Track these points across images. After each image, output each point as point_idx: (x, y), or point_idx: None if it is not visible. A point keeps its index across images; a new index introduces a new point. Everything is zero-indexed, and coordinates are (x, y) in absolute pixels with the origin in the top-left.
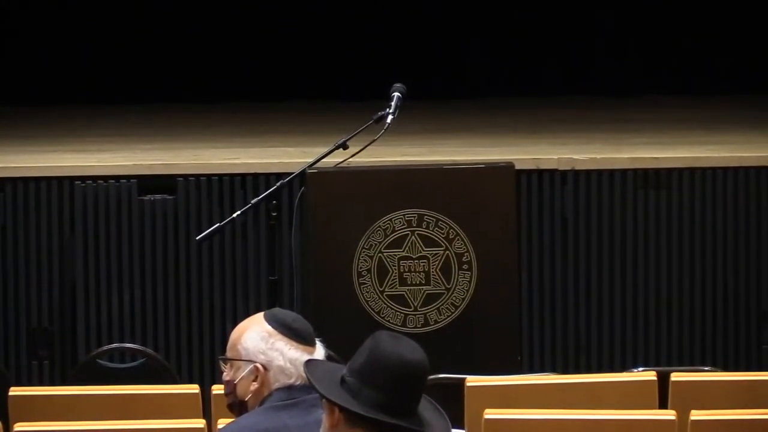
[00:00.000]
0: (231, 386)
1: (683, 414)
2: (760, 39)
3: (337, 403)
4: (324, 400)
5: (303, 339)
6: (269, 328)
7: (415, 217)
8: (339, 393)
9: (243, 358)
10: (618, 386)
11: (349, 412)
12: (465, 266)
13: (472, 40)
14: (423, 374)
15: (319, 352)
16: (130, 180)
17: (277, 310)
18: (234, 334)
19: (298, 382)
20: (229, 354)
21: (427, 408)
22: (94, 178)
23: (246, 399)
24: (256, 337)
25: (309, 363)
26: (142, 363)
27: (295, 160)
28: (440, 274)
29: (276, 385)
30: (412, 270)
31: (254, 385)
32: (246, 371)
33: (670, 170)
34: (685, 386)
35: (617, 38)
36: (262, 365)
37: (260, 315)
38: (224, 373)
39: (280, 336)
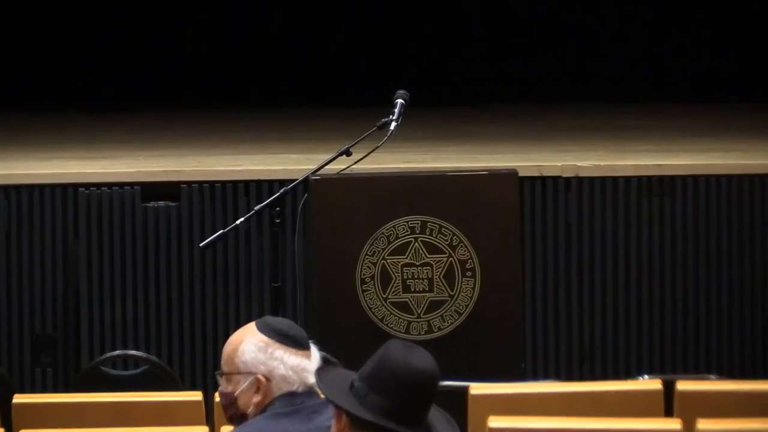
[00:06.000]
0: (231, 398)
1: (689, 423)
2: (764, 47)
3: (342, 407)
4: (333, 405)
5: (300, 345)
6: (265, 338)
7: (418, 223)
8: (346, 398)
9: (242, 371)
10: (623, 395)
11: (354, 416)
12: (468, 273)
13: (475, 47)
14: (431, 383)
15: (315, 354)
16: (133, 187)
17: (268, 318)
18: (228, 348)
19: (300, 389)
20: (226, 368)
21: (439, 420)
22: (98, 185)
23: (248, 410)
24: (254, 349)
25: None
26: (146, 370)
27: (299, 166)
28: (444, 280)
29: (278, 393)
30: (416, 277)
31: (257, 397)
32: (246, 384)
33: (673, 177)
34: (691, 394)
35: (621, 45)
36: (264, 376)
37: (252, 325)
38: (221, 386)
39: (277, 345)
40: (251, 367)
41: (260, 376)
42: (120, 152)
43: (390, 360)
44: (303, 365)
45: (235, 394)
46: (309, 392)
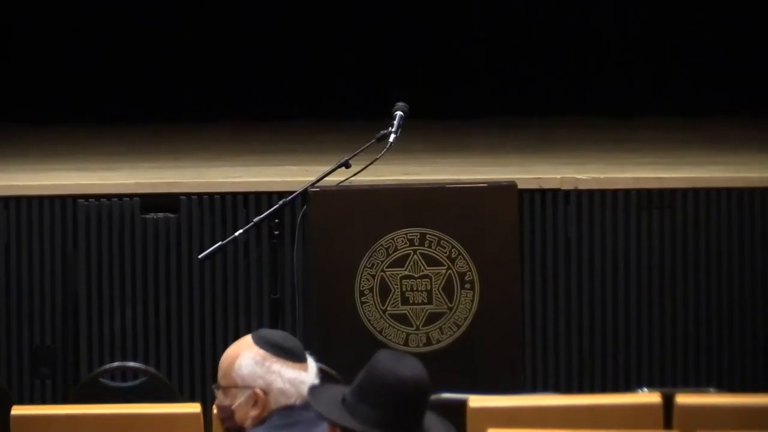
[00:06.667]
0: (228, 412)
1: None
2: (765, 59)
3: (333, 421)
4: (324, 419)
5: (296, 357)
6: (261, 351)
7: (417, 236)
8: (338, 411)
9: (240, 385)
10: (622, 408)
11: (344, 428)
12: (467, 285)
13: (475, 59)
14: (420, 391)
15: (312, 367)
16: (133, 198)
17: (264, 331)
18: (225, 361)
19: (297, 402)
20: (223, 382)
21: (437, 425)
22: (98, 197)
23: (245, 424)
24: (251, 362)
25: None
26: (144, 382)
27: (298, 178)
28: (442, 293)
29: (275, 407)
30: (415, 289)
31: (254, 411)
32: (244, 397)
33: (673, 190)
34: (691, 408)
35: (621, 58)
36: (262, 390)
37: (248, 338)
38: (218, 400)
39: (274, 358)
40: (249, 380)
41: (258, 390)
42: (119, 164)
43: (378, 370)
44: (300, 378)
45: (233, 407)
46: (306, 405)
